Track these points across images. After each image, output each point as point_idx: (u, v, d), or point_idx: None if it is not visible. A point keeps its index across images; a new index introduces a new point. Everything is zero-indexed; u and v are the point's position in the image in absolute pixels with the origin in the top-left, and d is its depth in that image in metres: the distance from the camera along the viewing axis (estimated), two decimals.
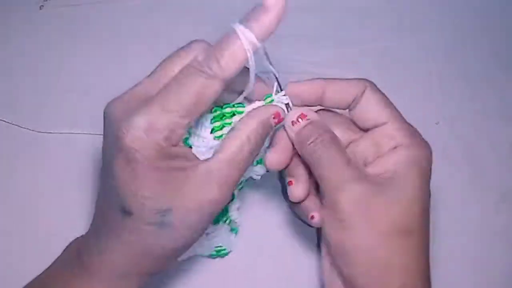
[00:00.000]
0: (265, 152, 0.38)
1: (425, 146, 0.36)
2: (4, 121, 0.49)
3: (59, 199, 0.45)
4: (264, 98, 0.37)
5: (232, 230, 0.44)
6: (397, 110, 0.37)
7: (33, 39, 0.53)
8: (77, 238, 0.37)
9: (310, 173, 0.38)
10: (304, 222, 0.40)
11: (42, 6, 0.55)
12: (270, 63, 0.37)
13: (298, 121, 0.37)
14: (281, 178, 0.47)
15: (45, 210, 0.44)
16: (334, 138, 0.36)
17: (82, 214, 0.42)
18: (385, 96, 0.38)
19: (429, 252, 0.36)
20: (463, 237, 0.46)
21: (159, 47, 0.53)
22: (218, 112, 0.35)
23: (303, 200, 0.38)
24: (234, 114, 0.36)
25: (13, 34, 0.53)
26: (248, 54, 0.32)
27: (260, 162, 0.39)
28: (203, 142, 0.35)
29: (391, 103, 0.38)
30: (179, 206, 0.32)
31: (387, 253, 0.34)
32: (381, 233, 0.34)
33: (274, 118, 0.35)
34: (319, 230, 0.40)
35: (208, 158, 0.33)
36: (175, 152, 0.32)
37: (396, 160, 0.36)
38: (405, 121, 0.37)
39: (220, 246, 0.43)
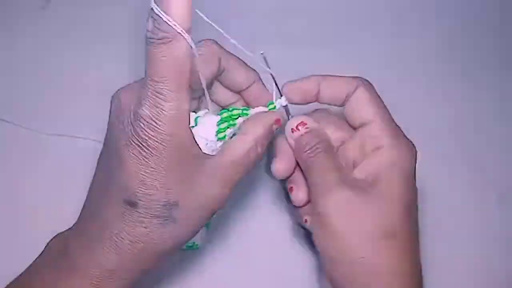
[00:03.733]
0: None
1: (408, 146, 0.37)
2: (4, 120, 0.49)
3: (59, 200, 0.45)
4: (267, 104, 0.38)
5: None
6: (384, 110, 0.38)
7: (35, 39, 0.53)
8: (61, 233, 0.35)
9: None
10: (302, 227, 0.40)
11: (44, 6, 0.55)
12: (268, 67, 0.38)
13: (298, 129, 0.38)
14: (283, 183, 0.47)
15: (45, 211, 0.44)
16: (328, 146, 0.37)
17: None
18: (376, 95, 0.38)
19: (418, 253, 0.36)
20: (462, 237, 0.46)
21: None
22: (225, 114, 0.36)
23: (305, 205, 0.39)
24: (239, 116, 0.37)
25: (15, 34, 0.53)
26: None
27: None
28: (207, 143, 0.35)
29: (380, 103, 0.38)
30: (186, 200, 0.32)
31: (371, 257, 0.34)
32: (365, 237, 0.34)
33: (275, 123, 0.36)
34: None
35: (215, 155, 0.33)
36: (184, 143, 0.31)
37: (379, 162, 0.36)
38: (391, 121, 0.37)
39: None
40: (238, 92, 0.40)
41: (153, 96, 0.29)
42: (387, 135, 0.36)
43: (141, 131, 0.30)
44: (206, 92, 0.35)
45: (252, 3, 0.55)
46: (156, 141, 0.30)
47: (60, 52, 0.53)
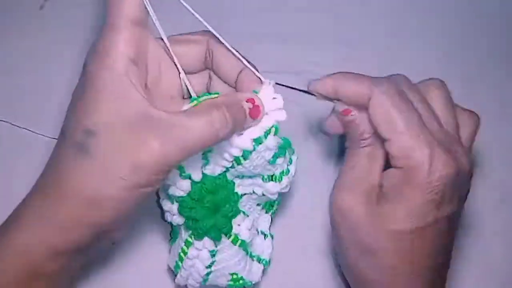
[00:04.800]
0: (281, 167, 0.37)
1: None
2: (3, 121, 0.49)
3: None
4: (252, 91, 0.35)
5: (259, 260, 0.40)
6: (404, 120, 0.36)
7: (33, 39, 0.53)
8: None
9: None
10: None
11: (42, 6, 0.55)
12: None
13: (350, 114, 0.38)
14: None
15: None
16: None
17: None
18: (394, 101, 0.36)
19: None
20: (463, 237, 0.46)
21: None
22: (195, 102, 0.34)
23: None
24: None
25: (12, 34, 0.53)
26: None
27: (274, 179, 0.37)
28: None
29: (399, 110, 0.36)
30: (104, 133, 0.31)
31: (397, 256, 0.36)
32: (394, 237, 0.36)
33: (248, 101, 0.34)
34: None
35: (170, 113, 0.32)
36: (115, 83, 0.32)
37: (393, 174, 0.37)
38: (411, 133, 0.36)
39: (235, 274, 0.39)
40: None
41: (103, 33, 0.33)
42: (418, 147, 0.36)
43: (88, 65, 0.33)
44: (182, 72, 0.35)
45: (251, 2, 0.55)
46: (87, 73, 0.32)
47: (59, 52, 0.53)
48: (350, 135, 0.40)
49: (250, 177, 0.37)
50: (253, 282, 0.40)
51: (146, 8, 0.33)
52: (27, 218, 0.34)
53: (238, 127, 0.34)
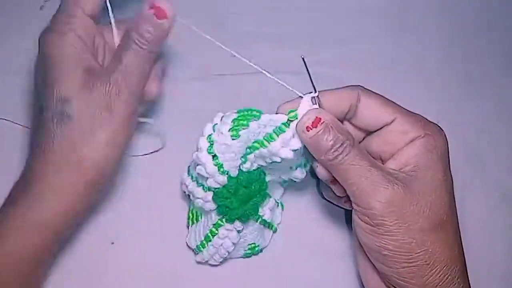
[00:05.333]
0: (304, 156, 0.39)
1: (438, 130, 0.37)
2: (3, 119, 0.49)
3: None
4: (288, 112, 0.37)
5: (270, 227, 0.44)
6: (398, 105, 0.38)
7: (33, 39, 0.53)
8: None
9: None
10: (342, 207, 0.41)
11: (43, 6, 0.55)
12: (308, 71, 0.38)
13: (314, 127, 0.35)
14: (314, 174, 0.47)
15: None
16: (354, 140, 0.36)
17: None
18: (380, 95, 0.38)
19: (460, 234, 0.37)
20: (463, 237, 0.46)
21: None
22: (241, 114, 0.37)
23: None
24: (252, 119, 0.37)
25: (13, 34, 0.53)
26: None
27: (300, 165, 0.40)
28: (221, 138, 0.37)
29: (389, 100, 0.38)
30: (79, 99, 0.36)
31: (426, 250, 0.35)
32: (418, 232, 0.35)
33: (150, 10, 0.37)
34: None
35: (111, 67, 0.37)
36: (79, 57, 0.37)
37: (416, 153, 0.36)
38: (410, 113, 0.38)
39: (253, 243, 0.43)
40: None
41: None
42: (416, 127, 0.37)
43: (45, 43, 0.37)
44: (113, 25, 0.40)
45: (251, 2, 0.55)
46: (48, 50, 0.37)
47: None
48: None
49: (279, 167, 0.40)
50: (263, 246, 0.45)
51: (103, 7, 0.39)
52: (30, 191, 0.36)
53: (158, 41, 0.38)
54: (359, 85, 0.39)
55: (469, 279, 0.38)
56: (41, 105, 0.37)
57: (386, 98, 0.38)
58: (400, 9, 0.58)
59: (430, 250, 0.35)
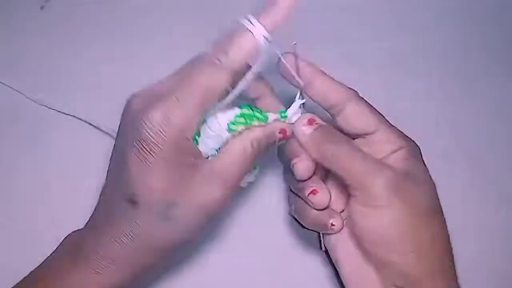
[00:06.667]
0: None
1: (413, 142, 0.39)
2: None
3: (64, 190, 0.45)
4: (279, 112, 0.38)
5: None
6: (383, 117, 0.39)
7: (34, 39, 0.53)
8: (75, 231, 0.37)
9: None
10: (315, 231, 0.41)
11: (43, 6, 0.55)
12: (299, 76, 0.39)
13: (310, 124, 0.38)
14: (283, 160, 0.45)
15: (50, 195, 0.45)
16: (346, 137, 0.38)
17: (88, 204, 0.41)
18: (370, 104, 0.39)
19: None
20: (463, 237, 0.46)
21: (159, 46, 0.53)
22: (246, 111, 0.36)
23: (326, 208, 0.39)
24: (257, 120, 0.37)
25: (14, 34, 0.53)
26: (257, 44, 0.34)
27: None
28: (216, 127, 0.35)
29: (376, 111, 0.39)
30: (185, 201, 0.33)
31: (428, 232, 0.35)
32: (419, 214, 0.35)
33: (280, 133, 0.37)
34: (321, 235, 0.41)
35: (213, 158, 0.35)
36: (186, 148, 0.33)
37: (403, 157, 0.37)
38: (392, 125, 0.39)
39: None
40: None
41: (168, 103, 0.32)
42: (400, 138, 0.38)
43: (148, 135, 0.31)
44: None
45: (251, 1, 0.55)
46: (159, 146, 0.32)
47: (59, 52, 0.53)
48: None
49: None
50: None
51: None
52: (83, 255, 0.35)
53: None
54: (355, 90, 0.39)
55: (468, 279, 0.38)
56: (137, 198, 0.33)
57: (374, 109, 0.39)
58: (400, 9, 0.58)
59: (431, 232, 0.36)
